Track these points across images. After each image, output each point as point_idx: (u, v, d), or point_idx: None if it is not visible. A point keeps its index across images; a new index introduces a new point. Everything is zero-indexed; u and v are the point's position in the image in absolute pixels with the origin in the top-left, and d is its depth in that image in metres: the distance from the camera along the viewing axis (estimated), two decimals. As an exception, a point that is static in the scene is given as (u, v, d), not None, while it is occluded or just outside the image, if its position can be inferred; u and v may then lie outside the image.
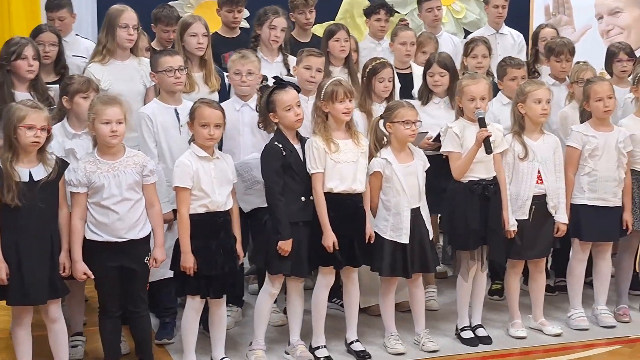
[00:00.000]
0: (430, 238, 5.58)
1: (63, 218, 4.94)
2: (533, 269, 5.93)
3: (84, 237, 4.94)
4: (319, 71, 5.90)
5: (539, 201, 5.73)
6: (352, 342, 5.57)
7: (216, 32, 6.80)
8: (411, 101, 6.12)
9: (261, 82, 5.77)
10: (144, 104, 5.79)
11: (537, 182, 5.72)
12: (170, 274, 5.23)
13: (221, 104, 5.41)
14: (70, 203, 4.98)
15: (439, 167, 5.70)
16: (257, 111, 5.52)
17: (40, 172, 4.83)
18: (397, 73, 6.62)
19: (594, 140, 5.87)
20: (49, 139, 4.89)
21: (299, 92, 5.44)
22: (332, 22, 8.68)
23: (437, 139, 5.91)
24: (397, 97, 6.20)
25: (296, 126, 5.35)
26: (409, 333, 5.72)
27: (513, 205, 5.70)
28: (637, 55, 6.86)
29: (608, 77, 6.89)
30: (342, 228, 5.34)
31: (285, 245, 5.21)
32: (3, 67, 5.68)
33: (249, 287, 6.45)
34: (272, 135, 5.38)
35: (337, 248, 5.30)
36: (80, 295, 5.48)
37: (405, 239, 5.43)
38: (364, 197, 5.46)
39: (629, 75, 6.49)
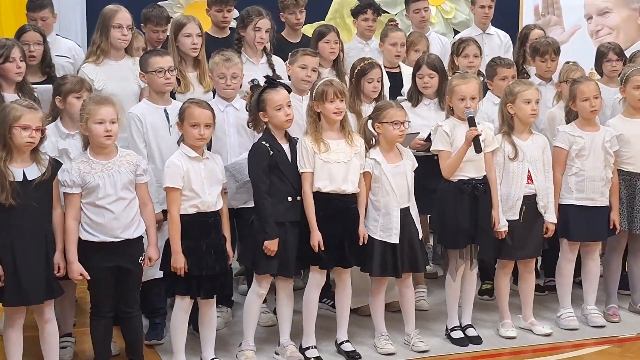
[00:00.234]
0: (420, 238, 5.58)
1: (57, 218, 4.93)
2: (523, 269, 5.93)
3: (79, 238, 4.93)
4: (314, 70, 5.90)
5: (530, 201, 5.74)
6: (342, 343, 5.57)
7: (206, 33, 6.77)
8: (401, 101, 6.17)
9: (252, 82, 5.75)
10: None
11: (527, 182, 5.73)
12: (160, 274, 5.23)
13: None
14: (63, 204, 4.98)
15: (429, 168, 5.71)
16: (246, 110, 5.50)
17: (33, 172, 4.82)
18: (387, 72, 6.64)
19: (581, 140, 5.89)
20: (42, 139, 4.88)
21: (289, 92, 5.43)
22: (321, 22, 8.70)
23: (429, 139, 5.91)
24: (387, 96, 6.20)
25: (286, 126, 5.35)
26: (399, 333, 5.72)
27: (504, 205, 5.71)
28: (627, 56, 6.86)
29: (598, 77, 6.92)
30: (331, 228, 5.34)
31: (271, 245, 5.20)
32: None
33: (239, 287, 6.44)
34: (259, 134, 5.37)
35: (323, 248, 5.30)
36: (71, 296, 5.47)
37: (395, 239, 5.43)
38: (359, 198, 5.46)
39: (619, 75, 6.50)
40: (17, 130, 4.76)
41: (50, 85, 5.76)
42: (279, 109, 5.27)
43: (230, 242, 5.29)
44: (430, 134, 5.86)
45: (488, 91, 6.38)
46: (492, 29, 7.96)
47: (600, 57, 6.79)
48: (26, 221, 4.79)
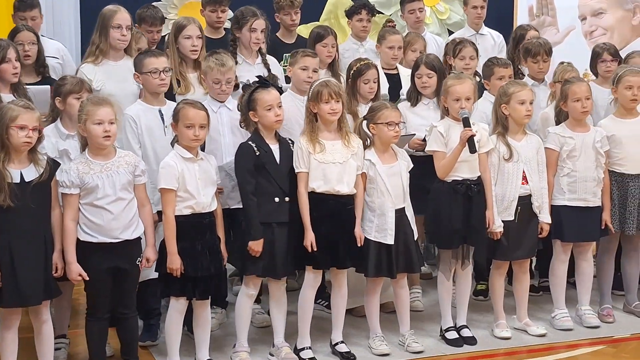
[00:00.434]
0: (416, 238, 5.58)
1: (56, 218, 4.93)
2: (517, 269, 5.94)
3: (77, 239, 4.93)
4: (315, 71, 5.89)
5: (525, 202, 5.74)
6: (337, 344, 5.56)
7: (200, 33, 6.79)
8: (400, 103, 6.17)
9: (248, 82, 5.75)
10: None
11: (522, 183, 5.74)
12: (155, 275, 5.22)
13: None
14: (62, 204, 4.98)
15: (427, 168, 5.70)
16: (238, 110, 5.49)
17: (31, 173, 4.81)
18: (385, 73, 6.65)
19: (571, 141, 5.89)
20: (40, 139, 4.87)
21: (281, 93, 5.43)
22: (316, 23, 8.71)
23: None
24: (388, 97, 6.19)
25: (275, 126, 5.34)
26: (394, 334, 5.72)
27: (499, 206, 5.71)
28: (622, 56, 6.86)
29: (592, 77, 6.93)
30: (325, 228, 5.34)
31: (255, 246, 5.19)
32: None
33: (233, 288, 6.43)
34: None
35: (316, 248, 5.30)
36: (68, 297, 5.46)
37: (390, 240, 5.43)
38: (355, 199, 5.45)
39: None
40: (14, 130, 4.75)
41: (47, 86, 5.76)
42: (269, 109, 5.26)
43: (225, 243, 5.29)
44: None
45: (485, 91, 6.37)
46: (485, 30, 7.97)
47: (595, 57, 6.80)
48: (24, 222, 4.78)
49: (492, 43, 7.89)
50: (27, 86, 5.85)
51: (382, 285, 5.66)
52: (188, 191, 5.09)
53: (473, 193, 5.59)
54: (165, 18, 8.04)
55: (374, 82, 6.05)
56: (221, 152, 5.65)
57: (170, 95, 5.82)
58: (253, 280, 5.37)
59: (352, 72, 6.08)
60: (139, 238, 5.06)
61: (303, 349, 5.48)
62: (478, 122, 5.76)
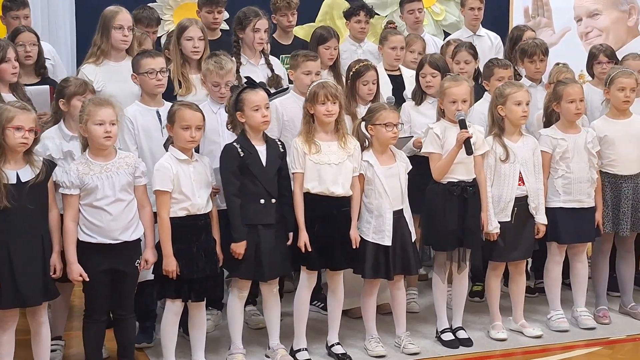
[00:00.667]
0: (414, 240, 5.57)
1: (53, 219, 4.92)
2: (513, 270, 5.94)
3: (77, 239, 4.92)
4: (317, 74, 5.88)
5: (521, 203, 5.74)
6: (332, 345, 5.55)
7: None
8: (405, 103, 6.23)
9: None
10: None
11: (519, 184, 5.74)
12: (151, 277, 5.21)
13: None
14: (62, 205, 4.97)
15: (426, 167, 5.67)
16: (226, 112, 5.49)
17: (27, 174, 4.80)
18: (388, 74, 6.67)
19: (564, 143, 5.89)
20: (36, 140, 4.87)
21: (269, 95, 5.41)
22: (312, 24, 8.71)
23: None
24: (393, 98, 6.18)
25: (262, 127, 5.32)
26: (390, 335, 5.72)
27: (495, 207, 5.71)
28: (618, 58, 6.87)
29: (588, 78, 6.93)
30: (319, 229, 5.34)
31: (237, 248, 5.18)
32: None
33: (229, 290, 6.41)
34: None
35: (309, 249, 5.29)
36: (66, 299, 5.45)
37: (387, 241, 5.42)
38: (352, 200, 5.45)
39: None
40: (10, 131, 4.74)
41: (46, 87, 5.76)
42: (257, 110, 5.25)
43: (221, 244, 5.28)
44: None
45: (485, 92, 6.37)
46: (482, 31, 7.97)
47: (591, 59, 6.81)
48: (22, 223, 4.77)
49: (489, 44, 7.89)
50: (27, 87, 5.86)
51: (378, 287, 5.66)
52: (183, 193, 5.08)
53: (468, 195, 5.59)
54: (161, 19, 8.05)
55: (373, 84, 6.04)
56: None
57: (171, 96, 5.81)
58: (241, 282, 5.36)
59: (351, 73, 6.08)
60: (139, 240, 5.05)
61: (299, 350, 5.48)
62: (475, 123, 5.76)
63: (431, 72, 6.18)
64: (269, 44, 6.66)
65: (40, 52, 6.23)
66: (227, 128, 5.44)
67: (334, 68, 6.51)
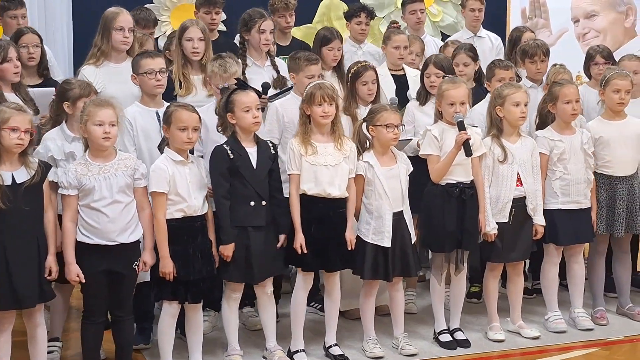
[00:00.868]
0: (414, 242, 5.56)
1: (48, 221, 4.91)
2: (511, 271, 5.94)
3: (75, 239, 4.92)
4: (319, 77, 5.87)
5: (519, 204, 5.74)
6: (330, 346, 5.55)
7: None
8: (409, 102, 6.24)
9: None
10: None
11: (517, 185, 5.74)
12: (149, 278, 5.19)
13: (201, 108, 5.42)
14: (61, 205, 4.97)
15: (425, 167, 5.66)
16: (216, 114, 5.47)
17: (22, 175, 4.79)
18: (391, 75, 6.67)
19: (561, 144, 5.89)
20: (31, 142, 4.85)
21: (259, 97, 5.40)
22: (309, 25, 8.71)
23: None
24: (396, 98, 6.18)
25: (253, 129, 5.31)
26: (388, 337, 5.71)
27: (493, 208, 5.71)
28: (616, 59, 6.87)
29: (585, 79, 6.94)
30: (315, 231, 5.34)
31: (226, 250, 5.17)
32: None
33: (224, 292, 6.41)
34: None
35: (305, 251, 5.29)
36: (65, 300, 5.45)
37: (387, 243, 5.41)
38: (348, 202, 5.44)
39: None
40: (5, 132, 4.73)
41: (51, 89, 5.75)
42: (248, 111, 5.23)
43: (216, 246, 5.27)
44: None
45: (488, 93, 6.37)
46: (483, 32, 7.99)
47: (588, 60, 6.82)
48: (17, 225, 4.76)
49: (489, 45, 7.90)
50: (31, 88, 5.87)
51: (377, 288, 5.65)
52: (179, 194, 5.07)
53: (466, 196, 5.59)
54: (158, 20, 8.06)
55: (373, 84, 6.04)
56: None
57: (171, 96, 5.80)
58: (233, 284, 5.35)
59: (350, 74, 6.08)
60: (137, 241, 5.04)
61: (297, 351, 5.48)
62: (472, 125, 5.76)
63: (436, 72, 6.18)
64: (275, 46, 6.66)
65: (43, 54, 6.26)
66: (217, 130, 5.42)
67: (339, 69, 6.49)
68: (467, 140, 5.48)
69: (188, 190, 5.10)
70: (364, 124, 5.53)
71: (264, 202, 5.25)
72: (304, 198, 5.35)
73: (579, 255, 6.10)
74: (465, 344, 5.75)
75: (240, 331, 5.54)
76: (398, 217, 5.46)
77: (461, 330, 5.82)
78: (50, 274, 4.87)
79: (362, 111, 5.93)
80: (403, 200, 5.50)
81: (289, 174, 5.36)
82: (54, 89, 5.69)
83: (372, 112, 5.53)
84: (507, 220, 5.72)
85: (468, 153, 5.50)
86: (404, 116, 6.08)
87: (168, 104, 5.54)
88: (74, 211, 4.93)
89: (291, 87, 6.07)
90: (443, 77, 6.02)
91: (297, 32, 8.10)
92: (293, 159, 5.34)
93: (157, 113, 5.55)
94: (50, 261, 4.87)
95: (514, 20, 9.44)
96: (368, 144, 5.55)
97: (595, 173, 6.03)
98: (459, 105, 5.59)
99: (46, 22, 8.13)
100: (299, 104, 5.56)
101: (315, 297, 5.97)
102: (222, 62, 5.72)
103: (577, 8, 9.65)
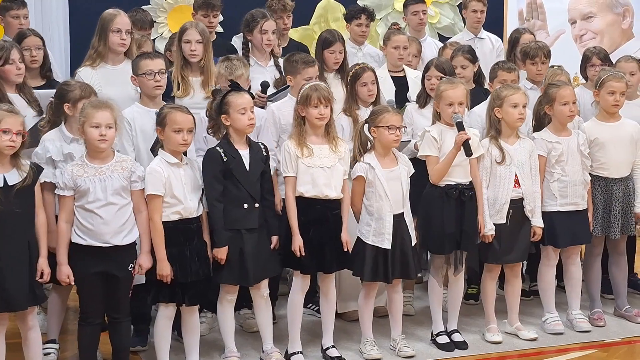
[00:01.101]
0: (414, 244, 5.55)
1: (40, 224, 4.89)
2: (509, 273, 5.93)
3: (70, 240, 4.91)
4: (317, 79, 5.86)
5: (517, 205, 5.74)
6: (327, 348, 5.54)
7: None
8: (409, 104, 6.22)
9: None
10: None
11: (515, 186, 5.73)
12: (144, 280, 5.18)
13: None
14: (58, 206, 4.97)
15: (426, 169, 5.66)
16: (206, 116, 5.45)
17: (14, 177, 4.78)
18: (391, 76, 6.67)
19: (559, 146, 5.89)
20: (23, 144, 4.83)
21: (252, 97, 5.40)
22: (306, 26, 8.71)
23: None
24: (393, 100, 6.18)
25: (248, 131, 5.31)
26: (385, 338, 5.71)
27: (491, 209, 5.70)
28: (612, 60, 6.87)
29: (582, 81, 6.94)
30: (312, 233, 5.33)
31: (219, 253, 5.16)
32: None
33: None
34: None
35: (303, 253, 5.28)
36: (63, 302, 5.43)
37: (387, 245, 5.40)
38: (342, 203, 5.44)
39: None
40: None
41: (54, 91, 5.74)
42: (243, 113, 5.23)
43: (212, 248, 5.25)
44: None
45: (490, 94, 6.38)
46: (484, 34, 7.99)
47: (585, 61, 6.83)
48: (8, 227, 4.74)
49: (490, 47, 7.91)
50: (36, 90, 5.86)
51: (377, 290, 5.65)
52: (175, 196, 5.06)
53: (466, 198, 5.59)
54: (155, 22, 8.06)
55: (372, 84, 6.03)
56: None
57: (169, 97, 5.81)
58: (228, 286, 5.33)
59: (349, 76, 6.07)
60: (133, 244, 5.02)
61: (294, 353, 5.47)
62: (474, 126, 5.76)
63: (437, 74, 6.17)
64: (280, 47, 6.65)
65: (45, 56, 6.25)
66: (208, 133, 5.41)
67: (342, 71, 6.44)
68: (467, 140, 5.47)
69: (184, 192, 5.09)
70: (366, 125, 5.52)
71: (256, 205, 5.25)
72: (301, 200, 5.34)
73: (576, 257, 6.10)
74: (463, 345, 5.74)
75: (237, 333, 5.54)
76: (398, 219, 5.45)
77: (459, 332, 5.82)
78: (42, 277, 4.85)
79: (363, 112, 5.93)
80: (404, 202, 5.49)
81: (284, 177, 5.35)
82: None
83: (374, 113, 5.52)
84: (504, 221, 5.72)
85: (468, 153, 5.49)
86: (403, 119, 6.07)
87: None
88: (69, 212, 4.92)
89: (288, 86, 6.07)
90: (443, 79, 6.02)
91: (295, 34, 8.10)
92: (289, 161, 5.33)
93: (156, 114, 5.53)
94: (42, 264, 4.85)
95: (511, 22, 9.44)
96: (369, 145, 5.54)
97: (591, 175, 6.03)
98: (457, 106, 5.58)
99: (42, 24, 8.11)
100: None
101: (312, 298, 5.96)
102: (229, 64, 5.74)
103: (574, 10, 9.64)
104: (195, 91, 5.98)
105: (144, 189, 5.03)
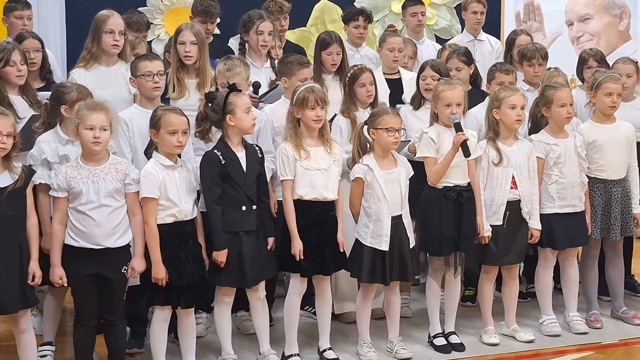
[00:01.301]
0: (412, 247, 5.53)
1: (31, 226, 4.87)
2: (506, 274, 5.93)
3: (62, 242, 4.90)
4: (312, 80, 5.86)
5: (513, 207, 5.73)
6: (324, 350, 5.53)
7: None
8: (403, 106, 6.17)
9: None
10: None
11: (512, 188, 5.73)
12: (138, 282, 5.17)
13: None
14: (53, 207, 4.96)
15: (424, 172, 5.65)
16: (196, 120, 5.41)
17: (5, 180, 4.76)
18: (386, 79, 6.66)
19: (557, 148, 5.88)
20: (15, 145, 4.81)
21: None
22: (303, 28, 8.70)
23: None
24: (387, 103, 6.18)
25: (251, 131, 5.32)
26: (382, 340, 5.70)
27: (487, 210, 5.70)
28: (608, 62, 6.87)
29: (579, 83, 6.94)
30: (312, 235, 5.32)
31: (219, 256, 5.15)
32: None
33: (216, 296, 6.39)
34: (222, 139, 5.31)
35: (302, 257, 5.27)
36: (58, 304, 5.42)
37: (385, 246, 5.39)
38: (336, 204, 5.44)
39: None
40: None
41: None
42: (248, 112, 5.23)
43: (208, 251, 5.24)
44: None
45: (487, 96, 6.37)
46: (483, 35, 8.00)
47: (581, 63, 6.83)
48: (0, 229, 4.72)
49: (489, 49, 7.92)
50: (40, 92, 5.83)
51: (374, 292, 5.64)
52: (170, 199, 5.04)
53: (464, 199, 5.58)
54: (151, 23, 8.05)
55: (371, 85, 6.02)
56: None
57: (164, 98, 5.78)
58: (225, 288, 5.32)
59: (347, 78, 6.06)
60: (127, 246, 5.01)
61: (291, 355, 5.46)
62: (469, 128, 5.76)
63: (432, 74, 6.16)
64: (281, 49, 6.64)
65: (44, 58, 6.24)
66: (195, 136, 5.39)
67: (341, 73, 6.39)
68: (465, 141, 5.47)
69: (178, 194, 5.07)
70: (365, 127, 5.51)
71: (254, 207, 5.24)
72: (300, 203, 5.33)
73: (573, 259, 6.10)
74: (460, 347, 5.74)
75: (234, 335, 5.53)
76: (397, 221, 5.44)
77: (456, 334, 5.81)
78: (33, 280, 4.83)
79: (361, 114, 5.93)
80: (402, 204, 5.48)
81: (282, 180, 5.34)
82: None
83: (374, 115, 5.51)
84: (501, 222, 5.71)
85: (466, 154, 5.49)
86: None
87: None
88: (63, 213, 4.91)
89: (277, 85, 6.06)
90: (439, 80, 6.02)
91: (291, 35, 8.11)
92: (287, 164, 5.31)
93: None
94: (33, 266, 4.83)
95: (508, 24, 9.46)
96: (369, 147, 5.53)
97: (589, 177, 6.03)
98: (455, 107, 5.57)
99: (39, 25, 8.09)
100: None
101: (309, 300, 5.95)
102: (227, 61, 5.77)
103: (571, 11, 9.67)
104: (190, 93, 5.97)
105: (138, 191, 5.01)
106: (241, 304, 5.77)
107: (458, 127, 5.50)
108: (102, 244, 4.89)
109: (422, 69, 6.28)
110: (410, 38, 7.60)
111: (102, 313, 5.04)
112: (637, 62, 6.69)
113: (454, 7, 9.39)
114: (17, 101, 5.61)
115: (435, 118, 5.69)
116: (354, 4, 8.70)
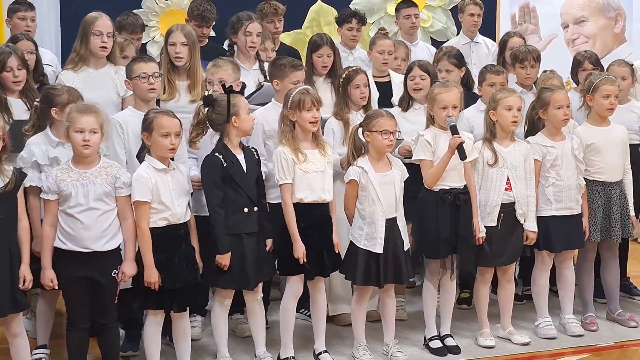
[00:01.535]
0: (407, 249, 5.53)
1: (22, 230, 4.85)
2: (502, 277, 5.92)
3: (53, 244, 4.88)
4: (304, 82, 5.84)
5: (508, 208, 5.72)
6: (320, 353, 5.53)
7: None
8: (392, 109, 6.14)
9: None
10: None
11: (506, 189, 5.72)
12: (130, 285, 5.15)
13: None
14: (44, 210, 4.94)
15: (419, 175, 5.64)
16: (192, 125, 5.39)
17: None
18: (376, 82, 6.63)
19: (554, 150, 5.88)
20: (5, 148, 4.79)
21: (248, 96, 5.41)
22: (298, 30, 8.69)
23: None
24: (375, 105, 6.17)
25: (251, 132, 5.32)
26: (377, 343, 5.69)
27: (482, 211, 5.69)
28: (603, 64, 6.87)
29: (574, 85, 6.93)
30: (312, 238, 5.32)
31: (223, 260, 5.13)
32: None
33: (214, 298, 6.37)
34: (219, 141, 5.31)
35: (305, 260, 5.26)
36: (51, 307, 5.40)
37: (379, 249, 5.38)
38: (330, 206, 5.43)
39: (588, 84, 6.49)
40: None
41: None
42: (248, 113, 5.24)
43: (200, 253, 5.23)
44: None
45: (479, 98, 6.37)
46: (479, 38, 8.01)
47: (576, 66, 6.81)
48: None
49: (486, 51, 7.93)
50: None
51: (369, 295, 5.63)
52: (163, 202, 5.02)
53: (460, 202, 5.57)
54: (146, 26, 8.04)
55: (365, 87, 6.00)
56: None
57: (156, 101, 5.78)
58: (224, 290, 5.32)
59: (341, 79, 6.04)
60: (116, 250, 4.98)
61: (286, 358, 5.45)
62: (461, 130, 5.74)
63: (420, 74, 6.16)
64: (274, 51, 6.62)
65: (38, 60, 6.18)
66: (188, 141, 5.38)
67: (333, 76, 6.34)
68: (461, 143, 5.46)
69: (171, 198, 5.05)
70: (360, 129, 5.50)
71: (255, 208, 5.23)
72: (300, 206, 5.31)
73: (570, 261, 6.10)
74: (456, 350, 5.73)
75: (229, 338, 5.51)
76: (391, 223, 5.43)
77: (451, 337, 5.81)
78: (24, 284, 4.81)
79: (354, 116, 5.92)
80: (397, 206, 5.47)
81: (280, 184, 5.31)
82: None
83: (368, 117, 5.50)
84: (495, 224, 5.71)
85: (462, 156, 5.48)
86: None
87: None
88: (53, 216, 4.89)
89: (262, 86, 6.05)
90: (433, 81, 6.01)
91: (287, 38, 8.09)
92: (286, 168, 5.29)
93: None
94: (24, 270, 4.81)
95: (503, 26, 9.45)
96: (363, 149, 5.52)
97: (588, 180, 6.02)
98: (451, 109, 5.57)
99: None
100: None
101: (305, 303, 5.94)
102: (215, 60, 5.79)
103: (567, 14, 9.66)
104: (181, 95, 5.95)
105: (129, 195, 4.98)
106: (236, 307, 5.75)
107: (454, 130, 5.50)
108: (90, 247, 4.86)
109: (409, 70, 6.27)
110: (403, 40, 7.60)
111: (95, 316, 5.02)
112: (632, 64, 6.70)
113: (450, 10, 9.38)
114: (15, 104, 5.58)
115: (431, 120, 5.69)
116: (349, 6, 8.68)
